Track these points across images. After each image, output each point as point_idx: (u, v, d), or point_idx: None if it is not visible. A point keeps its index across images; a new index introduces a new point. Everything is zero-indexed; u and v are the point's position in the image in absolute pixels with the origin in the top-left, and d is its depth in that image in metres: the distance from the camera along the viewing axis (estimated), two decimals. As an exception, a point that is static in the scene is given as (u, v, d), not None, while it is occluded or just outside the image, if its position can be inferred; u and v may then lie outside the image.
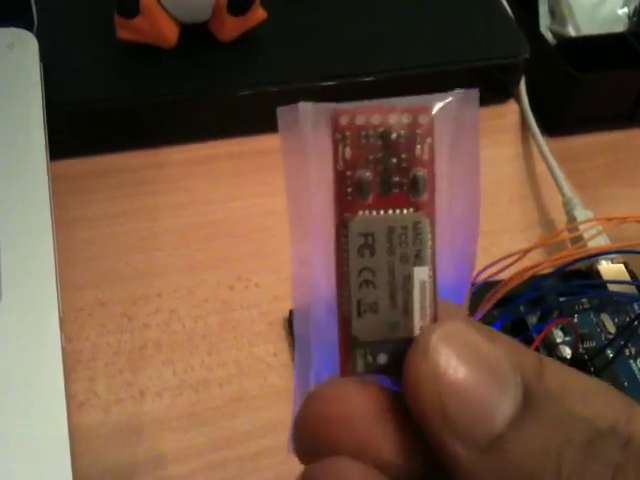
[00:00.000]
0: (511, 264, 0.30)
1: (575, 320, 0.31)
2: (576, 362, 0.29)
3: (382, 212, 0.14)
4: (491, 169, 0.39)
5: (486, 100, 0.41)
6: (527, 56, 0.41)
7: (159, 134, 0.38)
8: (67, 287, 0.31)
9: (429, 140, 0.14)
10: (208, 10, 0.38)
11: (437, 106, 0.15)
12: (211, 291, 0.33)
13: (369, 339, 0.15)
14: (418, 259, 0.15)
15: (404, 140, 0.14)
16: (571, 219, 0.35)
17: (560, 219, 0.37)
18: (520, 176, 0.40)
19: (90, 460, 0.27)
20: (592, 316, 0.32)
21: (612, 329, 0.31)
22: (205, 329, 0.32)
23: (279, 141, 0.15)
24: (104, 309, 0.32)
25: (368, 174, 0.14)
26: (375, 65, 0.39)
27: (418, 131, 0.14)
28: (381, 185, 0.14)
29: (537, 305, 0.31)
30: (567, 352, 0.30)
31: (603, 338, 0.31)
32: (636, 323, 0.30)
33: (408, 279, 0.15)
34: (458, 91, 0.15)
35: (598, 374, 0.29)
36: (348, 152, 0.14)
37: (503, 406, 0.13)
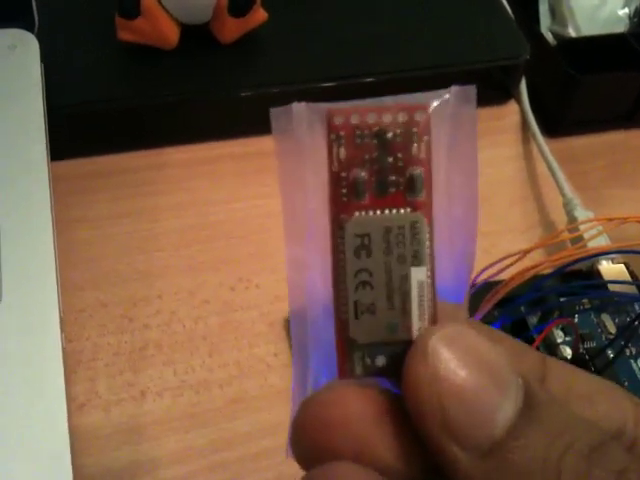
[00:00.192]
0: (511, 264, 0.30)
1: (576, 320, 0.31)
2: (577, 362, 0.29)
3: (378, 212, 0.14)
4: (491, 170, 0.39)
5: (486, 101, 0.41)
6: (527, 57, 0.41)
7: (160, 135, 0.38)
8: (68, 288, 0.31)
9: (426, 138, 0.14)
10: (209, 11, 0.38)
11: (434, 103, 0.14)
12: (212, 292, 0.33)
13: (367, 341, 0.14)
14: (416, 259, 0.14)
15: (400, 139, 0.14)
16: (572, 220, 0.35)
17: (561, 220, 0.37)
18: (521, 177, 0.40)
19: (90, 460, 0.27)
20: (593, 316, 0.32)
21: (613, 329, 0.31)
22: (206, 330, 0.32)
23: (273, 142, 0.15)
24: (105, 310, 0.32)
25: (364, 174, 0.14)
26: (375, 66, 0.39)
27: (414, 129, 0.14)
28: (377, 185, 0.14)
29: (538, 305, 0.31)
30: (568, 352, 0.30)
31: (604, 338, 0.31)
32: (636, 323, 0.30)
33: (405, 280, 0.14)
34: (455, 87, 0.15)
35: (598, 374, 0.29)
36: (343, 152, 0.14)
37: (503, 410, 0.13)
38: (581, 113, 0.41)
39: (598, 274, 0.32)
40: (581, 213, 0.35)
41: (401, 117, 0.14)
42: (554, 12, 0.44)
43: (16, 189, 0.30)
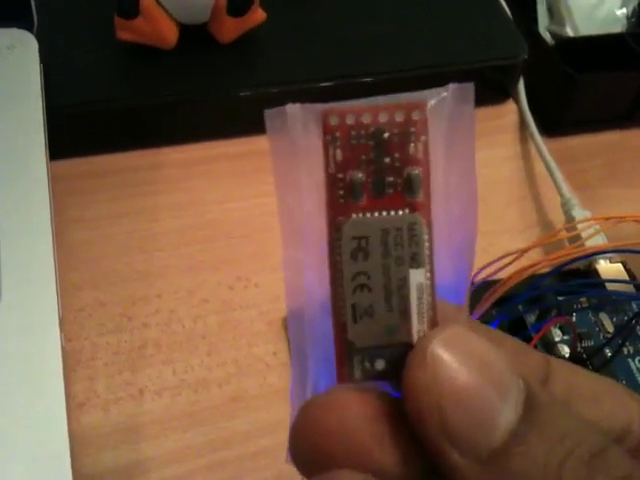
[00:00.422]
0: (509, 263, 0.30)
1: (573, 319, 0.31)
2: (574, 361, 0.29)
3: (376, 214, 0.14)
4: (489, 169, 0.39)
5: (484, 100, 0.42)
6: (526, 57, 0.41)
7: (159, 135, 0.38)
8: (67, 287, 0.31)
9: (423, 138, 0.14)
10: (207, 11, 0.38)
11: (431, 102, 0.14)
12: (211, 291, 0.33)
13: (366, 344, 0.14)
14: (414, 261, 0.14)
15: (397, 139, 0.14)
16: (569, 219, 0.35)
17: (559, 219, 0.37)
18: (519, 176, 0.40)
19: (89, 459, 0.27)
20: (590, 315, 0.32)
21: (610, 328, 0.31)
22: (205, 329, 0.32)
23: (268, 144, 0.15)
24: (104, 309, 0.32)
25: (360, 175, 0.14)
26: (375, 66, 0.39)
27: (412, 129, 0.14)
28: (374, 186, 0.14)
29: (535, 304, 0.31)
30: (565, 351, 0.30)
31: (601, 337, 0.31)
32: (634, 322, 0.30)
33: (404, 282, 0.14)
34: (453, 85, 0.14)
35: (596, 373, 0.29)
36: (339, 154, 0.14)
37: (504, 415, 0.13)
38: (579, 113, 0.41)
39: (596, 273, 0.33)
40: (579, 212, 0.35)
41: (398, 116, 0.14)
42: (552, 12, 0.44)
43: (15, 189, 0.30)
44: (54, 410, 0.24)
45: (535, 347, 0.30)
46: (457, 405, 0.13)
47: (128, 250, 0.34)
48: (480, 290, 0.29)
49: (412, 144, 0.14)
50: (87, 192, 0.36)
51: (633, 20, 0.44)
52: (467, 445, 0.13)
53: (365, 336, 0.14)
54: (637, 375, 0.30)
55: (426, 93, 0.14)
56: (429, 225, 0.14)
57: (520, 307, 0.31)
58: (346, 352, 0.14)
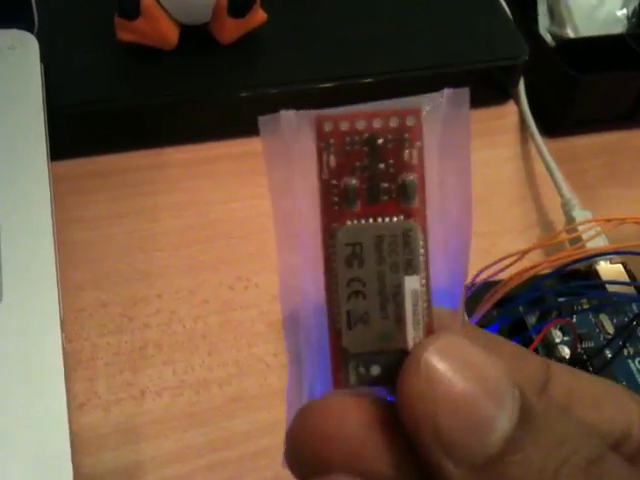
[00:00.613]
0: (510, 264, 0.30)
1: (574, 320, 0.31)
2: (575, 362, 0.29)
3: (370, 220, 0.14)
4: (490, 170, 0.39)
5: (485, 101, 0.42)
6: (526, 57, 0.41)
7: (160, 135, 0.38)
8: (68, 287, 0.31)
9: (418, 144, 0.14)
10: (208, 12, 0.38)
11: (426, 108, 0.14)
12: (211, 292, 0.33)
13: (361, 350, 0.14)
14: (409, 267, 0.14)
15: (391, 144, 0.14)
16: (570, 220, 0.35)
17: (559, 220, 0.37)
18: (519, 177, 0.40)
19: (89, 460, 0.28)
20: (591, 316, 0.32)
21: (611, 329, 0.31)
22: (205, 329, 0.32)
23: (262, 150, 0.14)
24: (105, 309, 0.32)
25: (354, 182, 0.14)
26: (375, 66, 0.39)
27: (406, 135, 0.14)
28: (369, 192, 0.14)
29: (536, 305, 0.31)
30: (566, 352, 0.30)
31: (602, 338, 0.31)
32: (634, 323, 0.30)
33: (399, 289, 0.14)
34: (448, 91, 0.14)
35: (596, 374, 0.29)
36: (333, 160, 0.14)
37: (499, 424, 0.13)
38: (580, 113, 0.41)
39: (596, 274, 0.33)
40: (579, 213, 0.35)
41: (392, 122, 0.14)
42: (552, 13, 0.44)
43: (16, 189, 0.30)
44: (55, 410, 0.24)
45: (536, 349, 0.30)
46: (451, 413, 0.13)
47: (128, 250, 0.34)
48: (481, 291, 0.29)
49: (407, 150, 0.14)
50: (88, 192, 0.36)
51: (633, 21, 0.44)
52: (462, 453, 0.13)
53: (360, 342, 0.14)
54: (637, 376, 0.30)
55: (421, 99, 0.14)
56: (424, 231, 0.14)
57: (521, 308, 0.31)
58: (341, 358, 0.14)
